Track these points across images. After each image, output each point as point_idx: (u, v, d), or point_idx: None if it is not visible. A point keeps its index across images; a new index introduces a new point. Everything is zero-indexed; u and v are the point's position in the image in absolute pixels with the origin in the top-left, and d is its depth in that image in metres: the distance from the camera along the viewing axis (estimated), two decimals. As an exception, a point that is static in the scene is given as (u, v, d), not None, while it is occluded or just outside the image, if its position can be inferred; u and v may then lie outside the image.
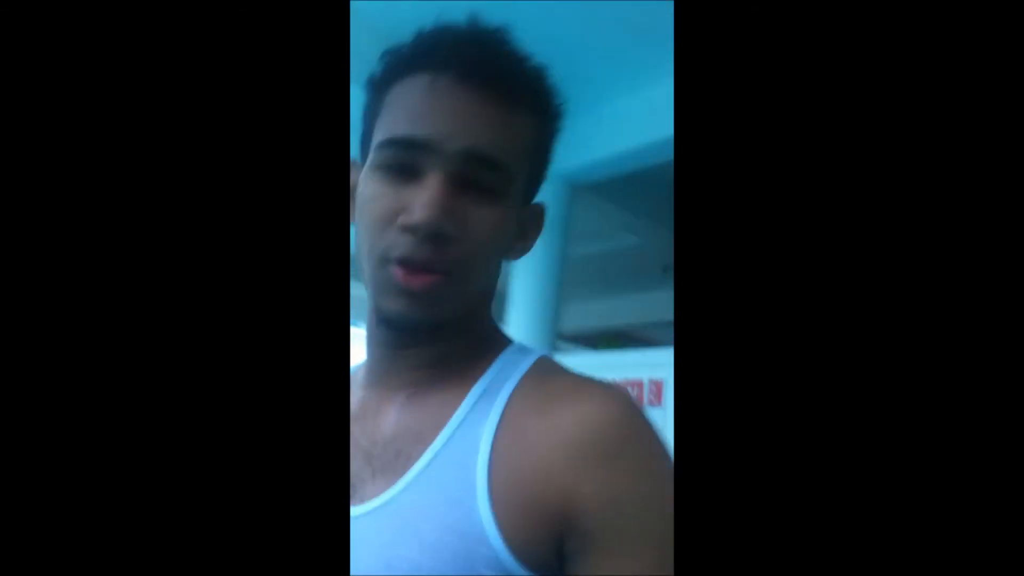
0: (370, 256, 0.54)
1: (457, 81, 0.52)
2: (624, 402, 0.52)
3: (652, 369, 2.76)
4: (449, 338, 0.57)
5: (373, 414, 0.58)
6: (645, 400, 2.75)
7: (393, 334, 0.57)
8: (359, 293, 0.56)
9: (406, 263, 0.51)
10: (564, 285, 3.27)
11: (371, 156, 0.55)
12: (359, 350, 0.62)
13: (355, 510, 0.52)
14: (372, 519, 0.51)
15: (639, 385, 2.77)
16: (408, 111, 0.53)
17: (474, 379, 0.55)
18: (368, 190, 0.54)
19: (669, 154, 2.73)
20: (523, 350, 0.58)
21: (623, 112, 3.17)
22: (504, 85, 0.52)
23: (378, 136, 0.54)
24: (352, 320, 0.46)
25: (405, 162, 0.52)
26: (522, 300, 3.17)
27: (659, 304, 5.47)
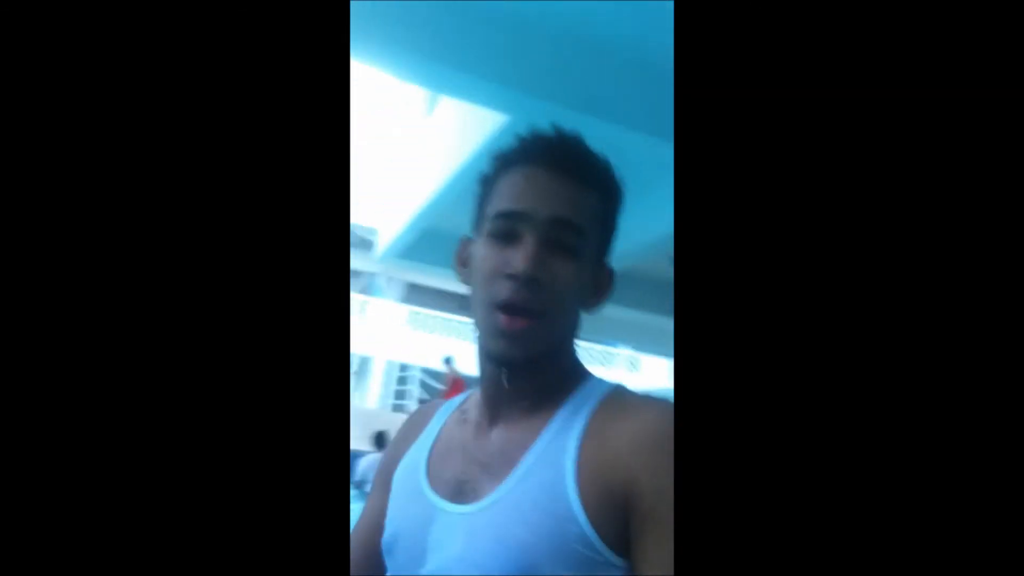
0: (480, 304, 0.71)
1: (547, 170, 0.72)
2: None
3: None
4: (542, 371, 0.73)
5: (486, 433, 0.75)
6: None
7: (498, 369, 0.73)
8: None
9: (507, 307, 0.68)
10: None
11: (484, 227, 0.74)
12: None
13: (473, 507, 0.69)
14: (489, 512, 0.68)
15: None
16: (511, 193, 0.72)
17: (563, 401, 0.72)
18: (481, 252, 0.73)
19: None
20: (600, 381, 0.75)
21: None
22: (580, 171, 0.73)
23: (490, 212, 0.73)
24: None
25: (508, 229, 0.71)
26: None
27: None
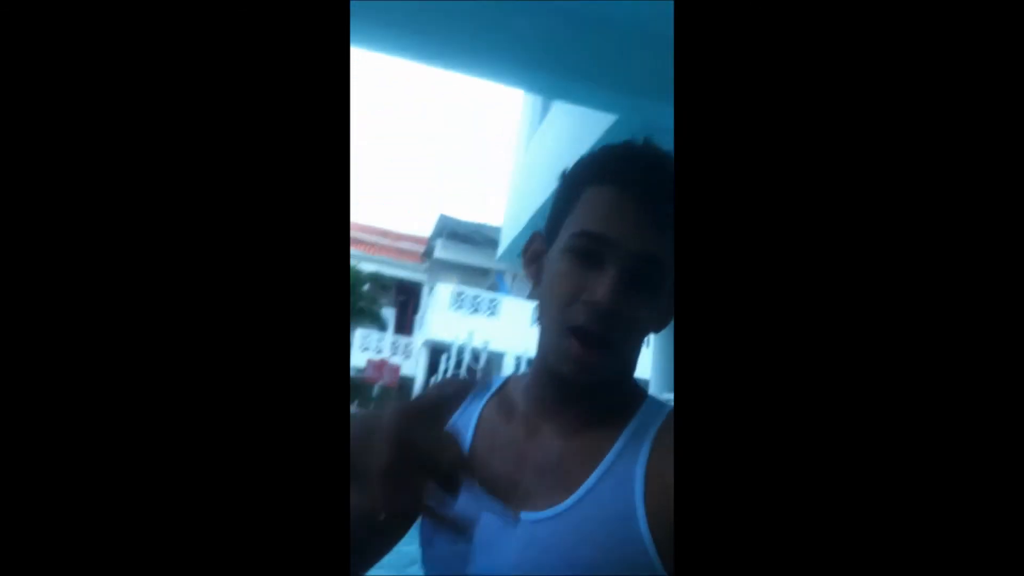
0: (551, 322, 0.70)
1: (639, 198, 0.68)
2: None
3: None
4: (604, 391, 0.72)
5: (542, 438, 0.73)
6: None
7: (559, 385, 0.72)
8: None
9: (582, 335, 0.67)
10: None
11: (566, 240, 0.71)
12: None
13: (533, 515, 0.67)
14: (552, 525, 0.66)
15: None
16: (600, 213, 0.69)
17: (624, 424, 0.71)
18: (558, 267, 0.70)
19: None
20: (659, 403, 0.75)
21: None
22: (671, 205, 0.66)
23: (573, 226, 0.70)
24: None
25: (593, 251, 0.68)
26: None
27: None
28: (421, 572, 0.76)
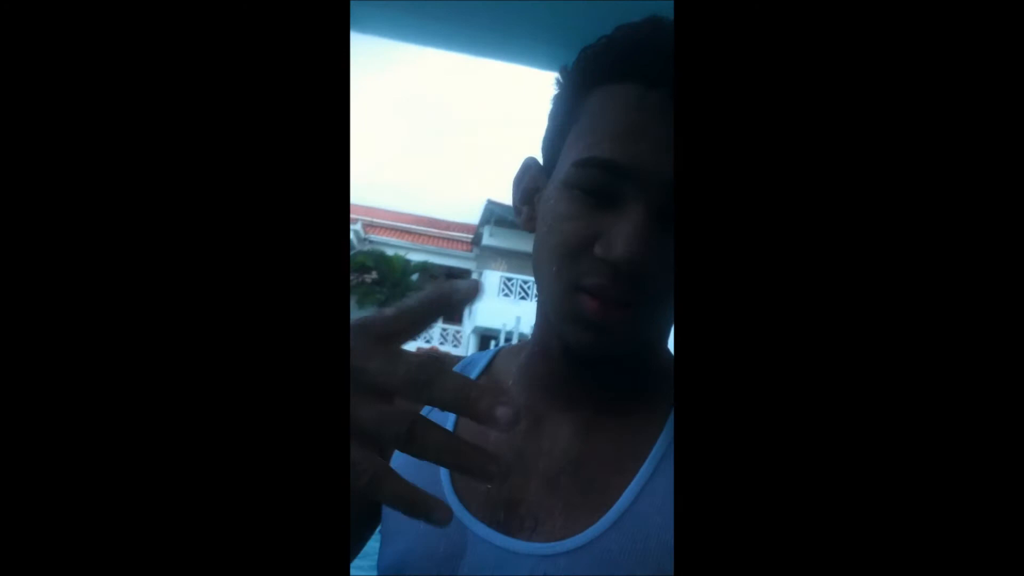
0: (556, 280, 0.50)
1: (666, 96, 0.46)
2: None
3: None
4: (631, 366, 0.53)
5: (547, 436, 0.53)
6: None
7: (575, 364, 0.53)
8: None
9: (601, 294, 0.48)
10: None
11: (567, 171, 0.50)
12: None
13: (538, 547, 0.48)
14: (567, 562, 0.46)
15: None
16: (613, 129, 0.48)
17: (666, 411, 0.51)
18: (560, 208, 0.49)
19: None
20: None
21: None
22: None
23: (576, 150, 0.49)
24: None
25: (606, 186, 0.48)
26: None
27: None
28: None
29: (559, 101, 0.53)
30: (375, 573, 0.54)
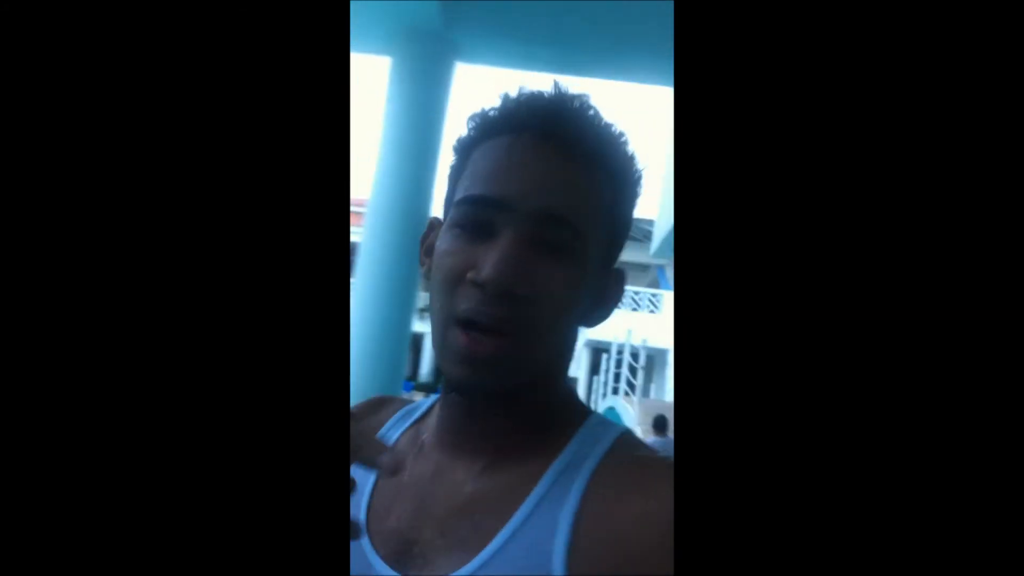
0: (439, 313, 0.53)
1: (535, 142, 0.52)
2: None
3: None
4: (524, 405, 0.55)
5: (445, 479, 0.56)
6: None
7: (462, 400, 0.56)
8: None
9: (470, 325, 0.50)
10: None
11: (451, 214, 0.55)
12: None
13: None
14: None
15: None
16: (486, 171, 0.53)
17: (554, 454, 0.53)
18: (443, 245, 0.54)
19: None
20: (603, 424, 0.56)
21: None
22: (582, 146, 0.52)
23: (458, 195, 0.55)
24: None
25: (480, 220, 0.52)
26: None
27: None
28: None
29: (451, 166, 0.59)
30: None
